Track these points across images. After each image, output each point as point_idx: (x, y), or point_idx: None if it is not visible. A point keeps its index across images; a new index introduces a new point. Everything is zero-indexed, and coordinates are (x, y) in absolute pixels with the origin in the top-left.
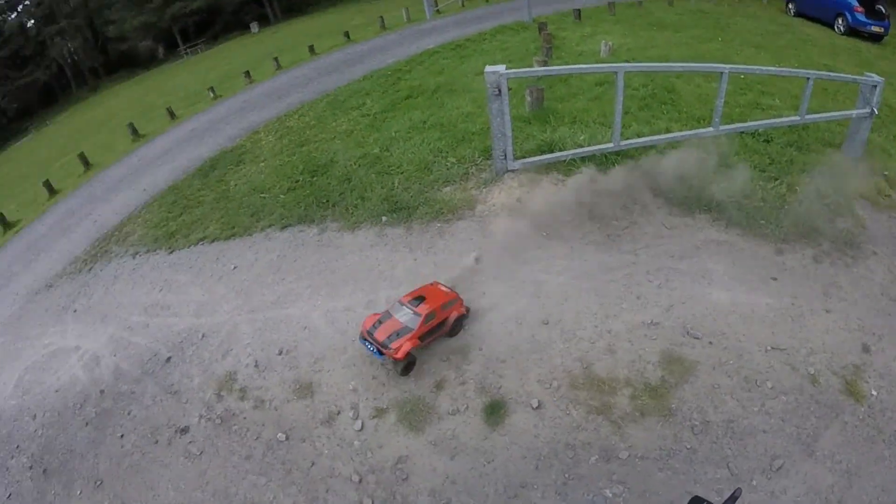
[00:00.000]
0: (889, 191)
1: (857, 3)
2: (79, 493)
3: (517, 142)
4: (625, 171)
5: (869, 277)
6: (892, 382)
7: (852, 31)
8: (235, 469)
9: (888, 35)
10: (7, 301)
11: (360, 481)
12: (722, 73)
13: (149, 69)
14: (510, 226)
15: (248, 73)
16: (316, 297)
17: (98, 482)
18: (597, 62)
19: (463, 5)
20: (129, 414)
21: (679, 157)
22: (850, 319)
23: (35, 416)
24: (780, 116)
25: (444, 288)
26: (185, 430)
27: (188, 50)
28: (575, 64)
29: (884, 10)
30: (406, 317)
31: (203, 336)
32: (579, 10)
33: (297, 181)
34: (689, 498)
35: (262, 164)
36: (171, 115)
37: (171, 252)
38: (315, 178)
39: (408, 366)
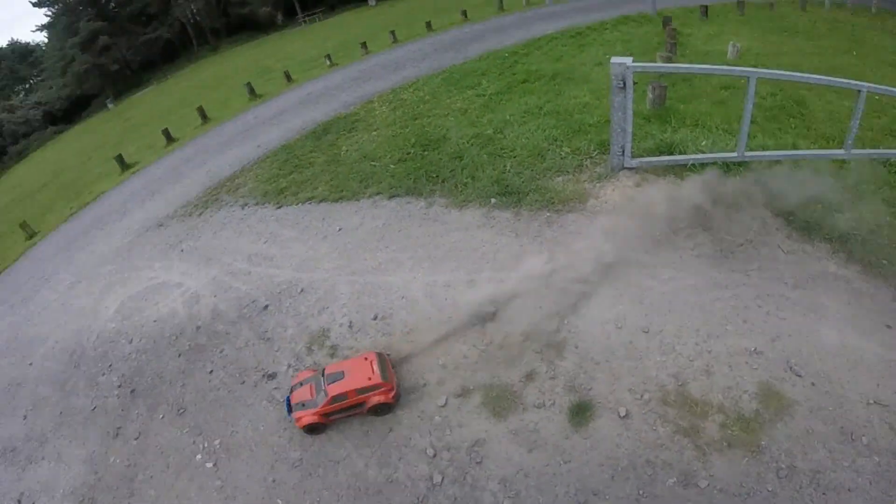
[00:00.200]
0: None
1: None
2: (161, 416)
3: (634, 139)
4: (745, 183)
5: None
6: None
7: None
8: None
9: None
10: (119, 234)
11: (434, 456)
12: (860, 90)
13: (267, 34)
14: (620, 225)
15: (364, 45)
16: (417, 268)
17: (181, 409)
18: (723, 64)
19: None
20: (221, 352)
21: (805, 177)
22: None
23: (131, 340)
24: None
25: (377, 369)
26: (272, 377)
27: (306, 18)
28: (700, 64)
29: None
30: (319, 391)
31: (302, 290)
32: (706, 7)
33: (408, 153)
34: None
35: (375, 133)
36: (288, 78)
37: (279, 207)
38: (426, 153)
39: (310, 431)
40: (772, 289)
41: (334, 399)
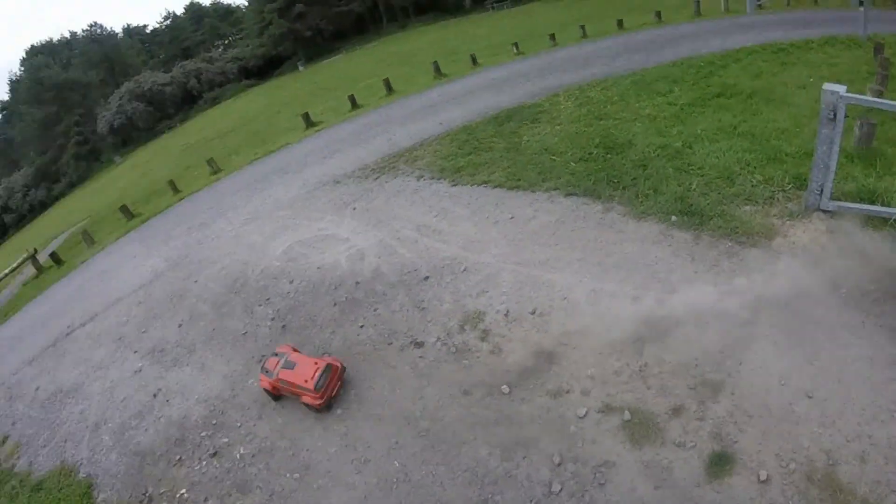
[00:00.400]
0: None
1: None
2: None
3: (833, 179)
4: None
5: None
6: None
7: None
8: (451, 398)
9: None
10: (297, 184)
11: (559, 465)
12: None
13: (455, 16)
14: (805, 273)
15: (552, 36)
16: (584, 272)
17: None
18: None
19: (789, 4)
20: (374, 311)
21: None
22: None
23: (292, 281)
24: None
25: (317, 376)
26: (419, 345)
27: (494, 4)
28: None
29: None
30: (276, 368)
31: (464, 269)
32: None
33: (590, 153)
34: None
35: (558, 127)
36: (474, 61)
37: (454, 185)
38: (609, 155)
39: (268, 393)
40: None
41: (280, 381)
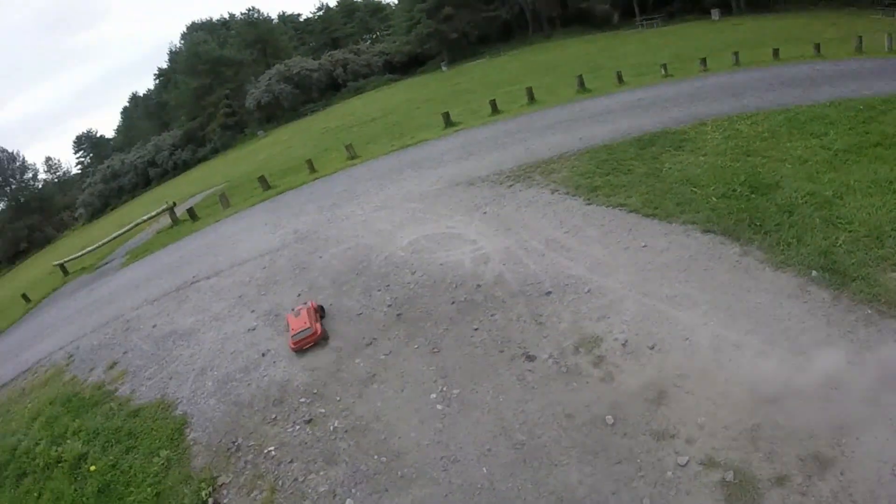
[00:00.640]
0: None
1: None
2: (416, 347)
3: None
4: None
5: None
6: None
7: None
8: (552, 417)
9: None
10: (430, 179)
11: None
12: None
13: (602, 31)
14: None
15: (703, 61)
16: (711, 315)
17: (436, 349)
18: None
19: None
20: (491, 316)
21: None
22: None
23: (414, 272)
24: None
25: (309, 319)
26: (531, 358)
27: (643, 22)
28: None
29: None
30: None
31: (588, 291)
32: None
33: (733, 190)
34: None
35: (702, 158)
36: (620, 79)
37: (589, 204)
38: (753, 195)
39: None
40: None
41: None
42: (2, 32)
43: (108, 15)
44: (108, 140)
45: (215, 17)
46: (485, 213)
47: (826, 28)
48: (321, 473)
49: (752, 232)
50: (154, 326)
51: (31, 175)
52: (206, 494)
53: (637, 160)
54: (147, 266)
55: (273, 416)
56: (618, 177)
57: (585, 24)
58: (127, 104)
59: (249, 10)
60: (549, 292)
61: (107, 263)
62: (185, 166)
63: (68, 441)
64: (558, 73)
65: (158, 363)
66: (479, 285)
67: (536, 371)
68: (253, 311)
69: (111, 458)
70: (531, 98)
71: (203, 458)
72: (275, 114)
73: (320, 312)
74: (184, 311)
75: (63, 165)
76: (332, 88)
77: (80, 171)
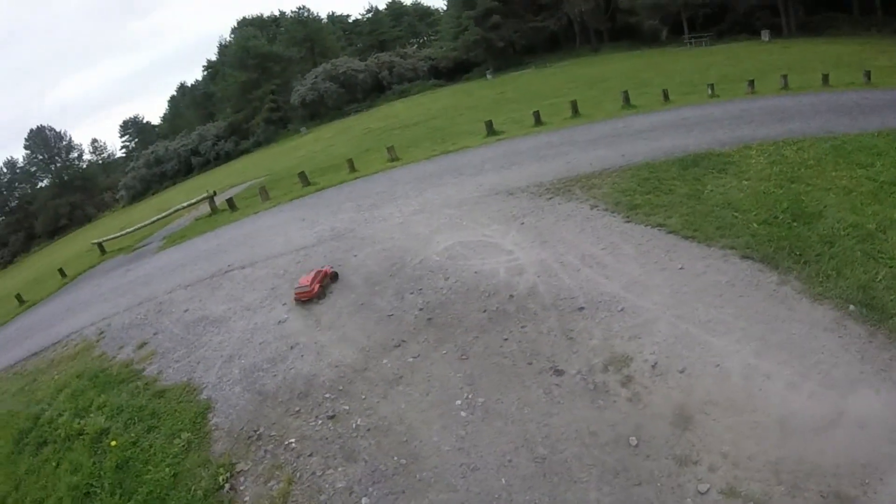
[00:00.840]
0: None
1: None
2: (444, 352)
3: None
4: None
5: None
6: None
7: None
8: (576, 433)
9: None
10: (470, 186)
11: None
12: None
13: (649, 47)
14: None
15: (751, 83)
16: (744, 343)
17: (464, 356)
18: None
19: None
20: (522, 327)
21: None
22: None
23: (448, 278)
24: None
25: (312, 280)
26: (559, 373)
27: (692, 40)
28: None
29: None
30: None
31: (622, 310)
32: None
33: (775, 217)
34: None
35: (745, 182)
36: (665, 97)
37: (628, 221)
38: (795, 224)
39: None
40: None
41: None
42: (62, 16)
43: (162, 5)
44: (154, 127)
45: (266, 13)
46: (522, 223)
47: (877, 56)
48: (340, 469)
49: (792, 261)
50: (186, 311)
51: (76, 155)
52: (223, 479)
53: (679, 180)
54: (183, 251)
55: (297, 408)
56: (658, 196)
57: (633, 39)
58: (175, 93)
59: (300, 8)
60: (582, 308)
61: (144, 246)
62: (228, 157)
63: (92, 415)
64: (603, 87)
65: (187, 347)
66: (511, 296)
67: (563, 386)
68: (284, 304)
69: (132, 435)
70: (575, 111)
71: (223, 443)
72: (318, 112)
73: (332, 278)
74: (216, 298)
75: (108, 148)
76: (376, 90)
77: (124, 155)
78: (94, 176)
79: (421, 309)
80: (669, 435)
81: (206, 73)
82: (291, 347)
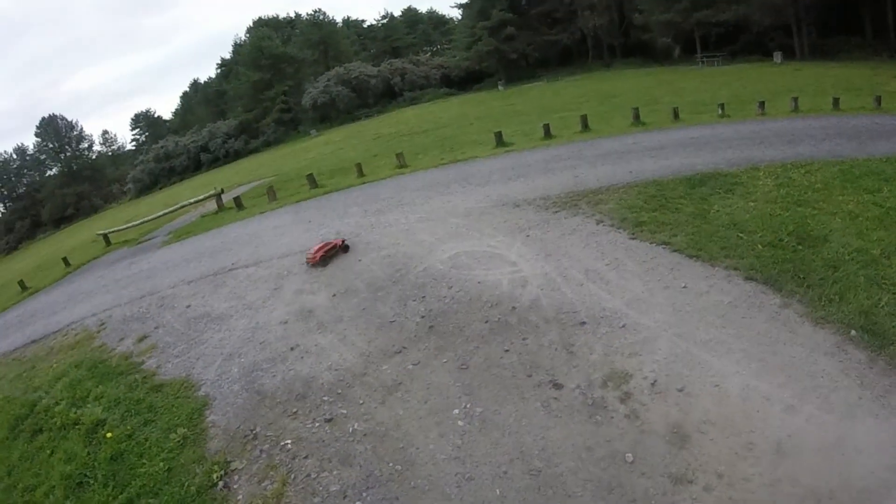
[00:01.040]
0: None
1: None
2: (444, 361)
3: None
4: None
5: None
6: None
7: None
8: (572, 448)
9: None
10: (477, 197)
11: None
12: None
13: (661, 65)
14: None
15: (762, 104)
16: (743, 364)
17: (464, 365)
18: None
19: None
20: (523, 340)
21: None
22: None
23: (451, 287)
24: None
25: (317, 250)
26: (558, 386)
27: (704, 59)
28: None
29: None
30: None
31: (623, 326)
32: None
33: (780, 239)
34: None
35: (752, 203)
36: (675, 115)
37: (633, 238)
38: (800, 247)
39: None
40: None
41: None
42: (79, 7)
43: (180, 2)
44: (165, 121)
45: (282, 14)
46: (528, 236)
47: (889, 80)
48: (335, 473)
49: (795, 284)
50: (188, 306)
51: (86, 145)
52: (217, 477)
53: (685, 199)
54: (188, 247)
55: (294, 410)
56: (664, 214)
57: (646, 56)
58: (187, 89)
59: (315, 11)
60: (584, 322)
61: (149, 239)
62: (237, 156)
63: (89, 405)
64: (614, 102)
65: (188, 343)
66: (514, 307)
67: (562, 400)
68: (287, 305)
69: (129, 427)
70: (585, 126)
71: (219, 441)
72: (329, 115)
73: (343, 249)
74: (219, 295)
75: (118, 140)
76: (388, 96)
77: (134, 148)
78: (103, 167)
79: (423, 316)
80: (666, 453)
81: (219, 70)
82: (292, 348)
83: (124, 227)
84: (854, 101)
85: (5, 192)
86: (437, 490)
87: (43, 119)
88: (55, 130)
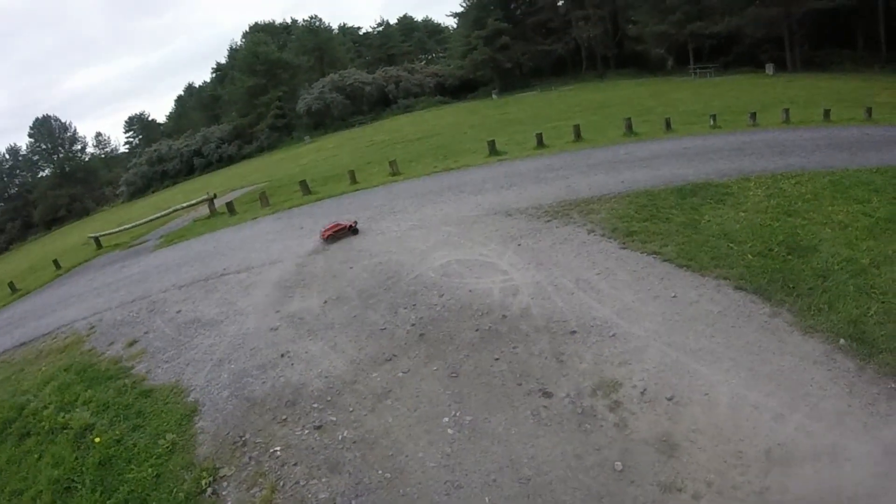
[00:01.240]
0: None
1: None
2: (434, 369)
3: None
4: None
5: None
6: None
7: None
8: (562, 456)
9: None
10: (470, 205)
11: None
12: None
13: (655, 76)
14: None
15: (753, 115)
16: (733, 373)
17: (454, 373)
18: None
19: None
20: (513, 348)
21: None
22: None
23: (442, 295)
24: None
25: (328, 229)
26: (547, 395)
27: (697, 70)
28: None
29: None
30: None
31: (613, 335)
32: None
33: (770, 249)
34: None
35: (742, 214)
36: (668, 125)
37: (623, 248)
38: (790, 257)
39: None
40: None
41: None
42: (76, 9)
43: (176, 5)
44: (159, 125)
45: (278, 20)
46: (519, 245)
47: (879, 92)
48: (323, 480)
49: (785, 293)
50: (178, 312)
51: (79, 147)
52: (205, 483)
53: (676, 209)
54: (180, 252)
55: (284, 417)
56: (655, 224)
57: (639, 66)
58: (182, 93)
59: (311, 17)
60: (574, 331)
61: (141, 243)
62: (230, 160)
63: (77, 409)
64: (607, 112)
65: (177, 348)
66: (504, 316)
67: (552, 408)
68: (277, 312)
69: (117, 432)
70: (577, 135)
71: (208, 447)
72: (323, 121)
73: (353, 232)
74: (210, 301)
75: (112, 142)
76: (382, 103)
77: (127, 151)
78: (96, 169)
79: (413, 324)
80: (655, 461)
81: (214, 75)
82: (282, 355)
83: (116, 230)
84: (845, 113)
85: None
86: (427, 498)
87: (37, 119)
88: (49, 131)
